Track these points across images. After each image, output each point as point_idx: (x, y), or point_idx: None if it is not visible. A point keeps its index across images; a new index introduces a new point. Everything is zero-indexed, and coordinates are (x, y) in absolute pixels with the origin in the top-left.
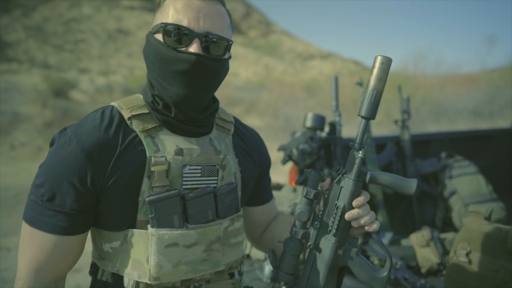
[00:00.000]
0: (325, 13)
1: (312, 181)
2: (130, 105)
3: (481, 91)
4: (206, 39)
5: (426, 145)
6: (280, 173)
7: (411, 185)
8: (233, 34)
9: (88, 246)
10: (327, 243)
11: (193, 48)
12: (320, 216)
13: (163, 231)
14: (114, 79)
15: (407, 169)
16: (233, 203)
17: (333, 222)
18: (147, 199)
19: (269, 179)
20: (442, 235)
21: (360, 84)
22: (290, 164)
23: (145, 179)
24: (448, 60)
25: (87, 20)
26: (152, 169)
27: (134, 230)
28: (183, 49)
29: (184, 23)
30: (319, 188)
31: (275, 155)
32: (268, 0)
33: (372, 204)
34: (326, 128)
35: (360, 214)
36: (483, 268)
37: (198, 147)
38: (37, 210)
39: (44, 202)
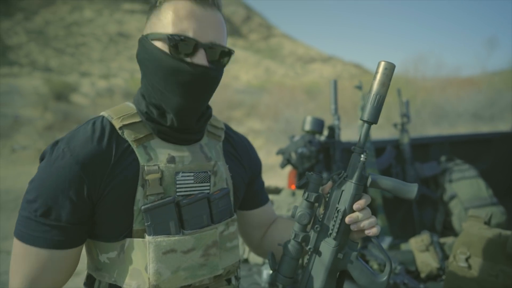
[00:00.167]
0: (325, 17)
1: (313, 184)
2: (120, 115)
3: (481, 94)
4: (211, 50)
5: (426, 148)
6: (279, 176)
7: (412, 190)
8: (233, 37)
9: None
10: (327, 247)
11: (199, 59)
12: (320, 219)
13: (160, 238)
14: (115, 83)
15: (406, 173)
16: (227, 208)
17: (333, 225)
18: (143, 207)
19: (261, 182)
20: (442, 240)
21: (359, 87)
22: (289, 168)
23: (139, 188)
24: (448, 63)
25: (88, 24)
26: (145, 178)
27: (131, 239)
28: (188, 59)
29: (190, 33)
30: (320, 191)
31: (274, 159)
32: (269, 3)
33: (372, 208)
34: (325, 132)
35: (360, 218)
36: (482, 273)
37: (189, 154)
38: (30, 226)
39: (38, 217)
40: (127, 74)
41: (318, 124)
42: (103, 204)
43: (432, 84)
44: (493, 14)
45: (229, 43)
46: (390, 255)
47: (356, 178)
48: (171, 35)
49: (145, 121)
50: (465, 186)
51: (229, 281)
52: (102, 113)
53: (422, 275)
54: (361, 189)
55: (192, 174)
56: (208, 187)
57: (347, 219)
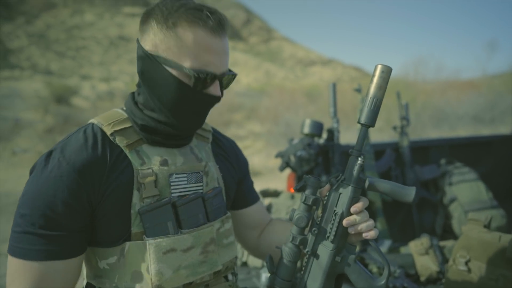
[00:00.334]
0: (325, 20)
1: (311, 187)
2: (110, 121)
3: (482, 97)
4: (223, 79)
5: (426, 151)
6: (279, 179)
7: (409, 193)
8: (234, 41)
9: None
10: (325, 250)
11: (215, 90)
12: (318, 222)
13: (160, 239)
14: (116, 86)
15: (406, 176)
16: (221, 206)
17: (331, 228)
18: (140, 209)
19: (250, 181)
20: (442, 243)
21: (358, 90)
22: (288, 171)
23: (135, 192)
24: (448, 66)
25: (89, 27)
26: (140, 181)
27: (130, 242)
28: (204, 91)
29: (211, 67)
30: (318, 194)
31: (274, 162)
32: (269, 7)
33: (371, 211)
34: (324, 135)
35: (358, 221)
36: (482, 277)
37: (181, 156)
38: (28, 240)
39: (37, 229)
40: (128, 77)
41: (317, 127)
42: (101, 209)
43: (432, 86)
44: (493, 16)
45: (229, 46)
46: (389, 258)
47: (353, 181)
48: (196, 71)
49: (139, 132)
50: (465, 189)
51: (226, 278)
52: (91, 121)
53: (422, 278)
54: (358, 192)
55: (185, 175)
56: (201, 187)
57: (344, 222)
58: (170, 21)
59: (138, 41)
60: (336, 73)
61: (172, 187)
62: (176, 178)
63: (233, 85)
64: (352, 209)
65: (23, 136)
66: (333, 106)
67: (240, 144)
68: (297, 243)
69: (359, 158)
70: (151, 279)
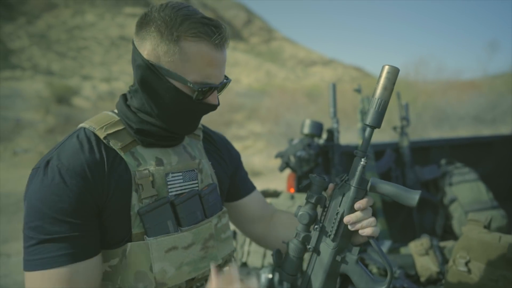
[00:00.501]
0: (326, 20)
1: (316, 186)
2: (102, 124)
3: (483, 97)
4: (221, 87)
5: (426, 152)
6: (280, 180)
7: (413, 197)
8: (234, 41)
9: None
10: (326, 248)
11: (213, 99)
12: (322, 221)
13: (161, 238)
14: (117, 86)
15: (406, 176)
16: (217, 202)
17: (332, 226)
18: (140, 210)
19: (244, 172)
20: (442, 244)
21: (358, 91)
22: (288, 171)
23: (133, 193)
24: (449, 66)
25: (90, 28)
26: (138, 183)
27: (132, 243)
28: (203, 100)
29: (212, 79)
30: (323, 193)
31: (275, 162)
32: (269, 7)
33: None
34: (324, 135)
35: (359, 219)
36: (482, 278)
37: (175, 155)
38: (46, 249)
39: (52, 235)
40: (129, 77)
41: (317, 127)
42: (104, 212)
43: (433, 87)
44: (494, 17)
45: (230, 46)
46: (389, 259)
47: (356, 181)
48: (199, 86)
49: (133, 134)
50: (465, 190)
51: None
52: (82, 125)
53: (422, 279)
54: (361, 193)
55: (180, 173)
56: (196, 185)
57: (345, 219)
58: (175, 34)
59: (134, 44)
60: (337, 73)
61: (169, 186)
62: (172, 177)
63: (234, 86)
64: (356, 205)
65: (24, 136)
66: (333, 107)
67: (240, 144)
68: (300, 239)
69: (362, 159)
70: (154, 278)
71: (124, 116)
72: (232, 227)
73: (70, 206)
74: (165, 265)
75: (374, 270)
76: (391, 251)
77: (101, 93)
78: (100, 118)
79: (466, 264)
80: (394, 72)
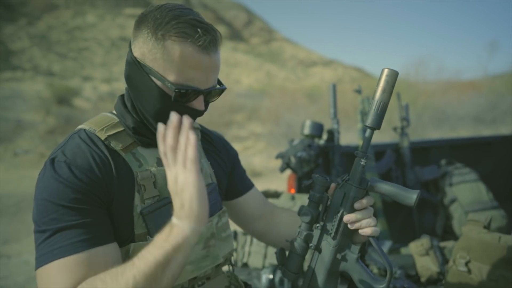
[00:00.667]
0: (326, 21)
1: (318, 185)
2: (102, 126)
3: (483, 98)
4: (209, 93)
5: (426, 152)
6: (280, 180)
7: (411, 196)
8: (235, 42)
9: None
10: (327, 246)
11: (198, 104)
12: (323, 219)
13: None
14: (117, 87)
15: (406, 177)
16: (217, 201)
17: (333, 225)
18: (143, 211)
19: (242, 170)
20: (442, 244)
21: (358, 91)
22: (288, 172)
23: (136, 194)
24: (449, 67)
25: (91, 29)
26: (140, 183)
27: (135, 243)
28: (187, 104)
29: (194, 82)
30: (325, 193)
31: (275, 162)
32: (270, 8)
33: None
34: (324, 136)
35: (358, 218)
36: (482, 278)
37: None
38: (65, 236)
39: (69, 222)
40: None
41: (317, 128)
42: (110, 211)
43: (433, 87)
44: (494, 17)
45: (230, 47)
46: (389, 259)
47: (356, 181)
48: (177, 87)
49: (132, 135)
50: (465, 190)
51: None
52: (81, 127)
53: (422, 279)
54: (361, 193)
55: None
56: None
57: (344, 218)
58: (159, 32)
59: (130, 44)
60: (337, 74)
61: None
62: None
63: (234, 86)
64: (356, 205)
65: (24, 137)
66: (333, 107)
67: (241, 145)
68: (302, 237)
69: (362, 160)
70: None
71: (121, 117)
72: (232, 227)
73: (83, 196)
74: None
75: (375, 270)
76: (392, 251)
77: (101, 94)
78: (100, 119)
79: (466, 264)
80: (393, 75)
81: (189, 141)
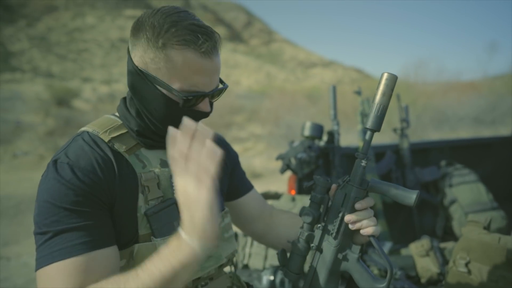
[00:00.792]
0: (326, 22)
1: (319, 186)
2: (106, 128)
3: (482, 99)
4: (213, 95)
5: (426, 153)
6: (280, 182)
7: (411, 196)
8: (234, 43)
9: None
10: (329, 246)
11: (204, 107)
12: (325, 220)
13: (168, 238)
14: (117, 88)
15: (406, 178)
16: (219, 202)
17: (334, 225)
18: (148, 212)
19: (242, 171)
20: (442, 245)
21: (358, 93)
22: (288, 173)
23: (140, 195)
24: (449, 68)
25: (91, 30)
26: (144, 184)
27: (139, 244)
28: (194, 108)
29: (199, 87)
30: (327, 194)
31: (275, 164)
32: (269, 9)
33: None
34: (324, 137)
35: (359, 218)
36: (482, 279)
37: None
38: (65, 239)
39: (70, 225)
40: None
41: (318, 130)
42: (112, 213)
43: (433, 88)
44: (494, 18)
45: (230, 48)
46: (390, 260)
47: (357, 182)
48: (184, 94)
49: (136, 137)
50: (465, 191)
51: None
52: (84, 129)
53: (422, 280)
54: (362, 193)
55: None
56: None
57: (345, 218)
58: (160, 41)
59: (128, 51)
60: (337, 75)
61: (173, 188)
62: None
63: (234, 87)
64: (356, 206)
65: (24, 139)
66: (333, 109)
67: (241, 146)
68: (304, 238)
69: (363, 161)
70: None
71: (125, 120)
72: (233, 229)
73: (84, 199)
74: None
75: (375, 271)
76: (392, 252)
77: (101, 95)
78: (103, 122)
79: (466, 265)
80: (393, 79)
81: (212, 154)
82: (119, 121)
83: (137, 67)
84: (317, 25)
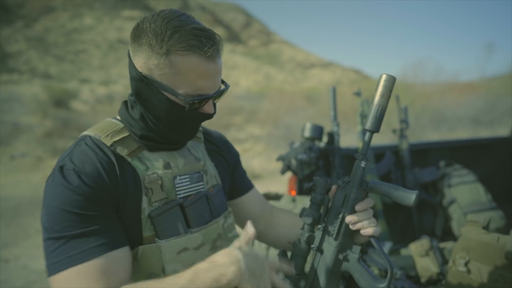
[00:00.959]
0: (325, 22)
1: (319, 187)
2: (108, 132)
3: (480, 99)
4: (217, 96)
5: (425, 154)
6: (280, 182)
7: (410, 196)
8: (233, 44)
9: None
10: (329, 247)
11: (208, 108)
12: (325, 221)
13: (173, 240)
14: (115, 89)
15: (406, 178)
16: (222, 202)
17: (335, 226)
18: (151, 214)
19: (243, 170)
20: (442, 245)
21: (358, 94)
22: (289, 174)
23: (144, 197)
24: (447, 68)
25: (88, 31)
26: (148, 187)
27: (144, 246)
28: (199, 110)
29: (204, 90)
30: (327, 195)
31: (274, 165)
32: (268, 10)
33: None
34: (325, 138)
35: (360, 219)
36: (482, 278)
37: (181, 158)
38: (81, 243)
39: (83, 229)
40: (127, 80)
41: (318, 131)
42: (118, 215)
43: (431, 89)
44: (492, 19)
45: (228, 49)
46: (390, 259)
47: (356, 183)
48: (190, 99)
49: (138, 140)
50: (464, 191)
51: None
52: (86, 133)
53: (422, 280)
54: (362, 194)
55: (187, 176)
56: (202, 186)
57: (346, 219)
58: (164, 47)
59: (129, 56)
60: (336, 76)
61: (177, 189)
62: (180, 179)
63: (232, 88)
64: (356, 207)
65: (21, 140)
66: (333, 110)
67: (240, 147)
68: (304, 239)
69: (362, 162)
70: None
71: (127, 123)
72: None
73: (94, 202)
74: (177, 266)
75: (376, 271)
76: (392, 252)
77: (99, 97)
78: (104, 125)
79: (466, 264)
80: (391, 81)
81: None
82: (121, 125)
83: (141, 73)
84: (315, 26)
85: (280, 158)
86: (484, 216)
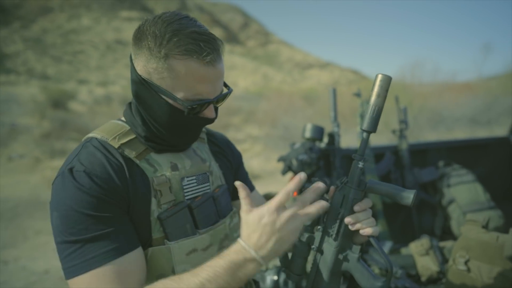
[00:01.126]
0: (323, 23)
1: None
2: (115, 134)
3: (478, 99)
4: (217, 101)
5: (424, 154)
6: (279, 183)
7: (408, 196)
8: (231, 44)
9: None
10: (329, 247)
11: (209, 113)
12: (324, 221)
13: (182, 241)
14: (113, 90)
15: (405, 178)
16: (228, 202)
17: (334, 227)
18: (161, 216)
19: (245, 172)
20: (441, 244)
21: (358, 95)
22: (289, 175)
23: (153, 200)
24: (445, 69)
25: (86, 32)
26: (156, 189)
27: (153, 248)
28: (199, 115)
29: (204, 95)
30: (325, 196)
31: (273, 165)
32: (266, 10)
33: (372, 214)
34: (325, 139)
35: (359, 219)
36: (481, 276)
37: (188, 159)
38: (96, 247)
39: (99, 232)
40: (125, 81)
41: (318, 131)
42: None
43: (429, 89)
44: (489, 19)
45: (226, 50)
46: (390, 259)
47: (354, 183)
48: (189, 103)
49: (144, 142)
50: (463, 191)
51: None
52: (92, 135)
53: (423, 278)
54: (360, 194)
55: (194, 177)
56: (208, 187)
57: (346, 220)
58: (162, 51)
59: (131, 59)
60: (334, 76)
61: (185, 190)
62: (187, 181)
63: None
64: (355, 208)
65: (19, 141)
66: (334, 111)
67: (238, 148)
68: (304, 240)
69: (360, 162)
70: None
71: (132, 125)
72: None
73: (107, 204)
74: (186, 267)
75: (376, 270)
76: (392, 251)
77: (97, 97)
78: (110, 128)
79: (466, 263)
80: (387, 80)
81: (322, 206)
82: (127, 127)
83: (140, 76)
84: (313, 26)
85: (281, 159)
86: (483, 215)
